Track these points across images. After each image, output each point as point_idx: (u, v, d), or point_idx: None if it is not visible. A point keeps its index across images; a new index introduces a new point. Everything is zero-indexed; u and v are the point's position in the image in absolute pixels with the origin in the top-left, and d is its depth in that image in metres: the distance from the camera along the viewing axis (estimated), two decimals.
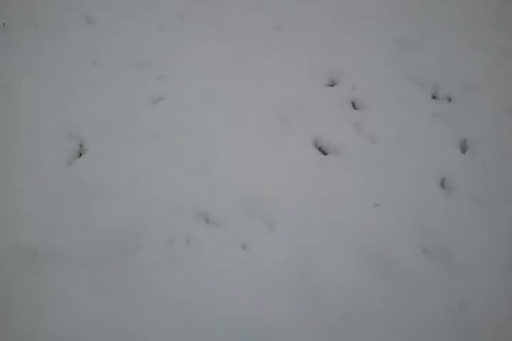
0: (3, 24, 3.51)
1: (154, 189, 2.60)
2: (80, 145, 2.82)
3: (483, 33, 3.66)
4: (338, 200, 2.56)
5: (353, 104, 3.18)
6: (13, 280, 2.22)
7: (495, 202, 2.56)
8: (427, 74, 3.34)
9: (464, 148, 2.86)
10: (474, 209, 2.54)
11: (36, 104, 3.05)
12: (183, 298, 2.20)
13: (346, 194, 2.59)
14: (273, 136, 2.91)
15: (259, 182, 2.64)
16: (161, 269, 2.31)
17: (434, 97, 3.24)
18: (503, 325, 2.12)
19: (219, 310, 2.15)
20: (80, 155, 2.78)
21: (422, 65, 3.41)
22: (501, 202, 2.56)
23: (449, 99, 3.20)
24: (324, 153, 2.86)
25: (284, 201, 2.56)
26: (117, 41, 3.56)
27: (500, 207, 2.54)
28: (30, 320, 2.09)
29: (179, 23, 3.76)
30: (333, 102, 3.16)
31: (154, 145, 2.82)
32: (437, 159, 2.77)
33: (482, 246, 2.38)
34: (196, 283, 2.26)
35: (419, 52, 3.52)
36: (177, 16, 3.83)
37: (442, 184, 2.67)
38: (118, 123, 2.93)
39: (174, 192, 2.58)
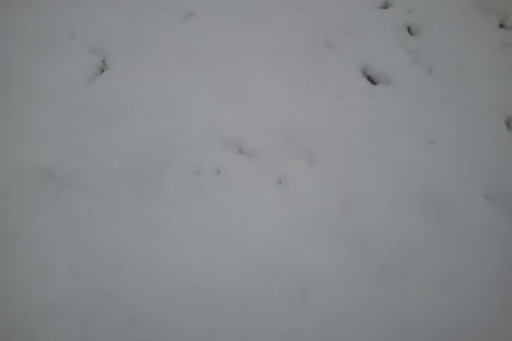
0: None
1: (183, 113, 2.33)
2: (103, 61, 2.51)
3: None
4: (389, 136, 2.27)
5: (409, 29, 2.80)
6: (26, 204, 2.01)
7: None
8: None
9: None
10: None
11: (57, 15, 2.69)
12: (210, 233, 2.01)
13: (398, 129, 2.30)
14: (317, 61, 2.57)
15: (298, 111, 2.35)
16: (186, 201, 2.09)
17: (501, 26, 2.84)
18: None
19: (250, 248, 1.95)
20: (102, 71, 2.48)
21: None
22: None
23: None
24: (374, 83, 2.54)
25: (326, 134, 2.28)
26: None
27: None
28: (41, 248, 1.91)
29: None
30: (386, 26, 2.77)
31: (184, 65, 2.50)
32: (504, 95, 2.44)
33: None
34: (225, 218, 2.05)
35: None
36: None
37: (508, 124, 2.35)
38: (145, 38, 2.59)
39: (204, 118, 2.31)
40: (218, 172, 2.15)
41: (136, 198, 2.08)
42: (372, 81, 2.55)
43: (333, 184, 2.12)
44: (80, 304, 1.81)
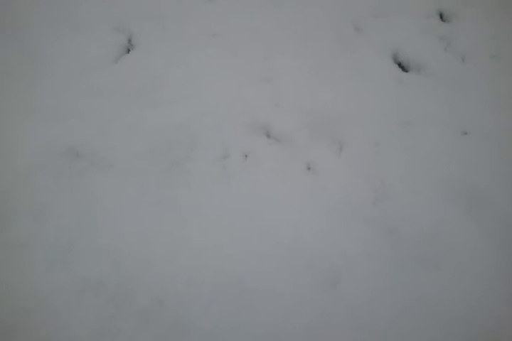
0: None
1: (209, 95, 2.28)
2: (129, 41, 2.46)
3: None
4: (421, 125, 2.23)
5: (441, 15, 2.72)
6: (53, 182, 1.99)
7: None
8: None
9: None
10: None
11: None
12: (238, 218, 1.98)
13: (430, 118, 2.25)
14: (345, 46, 2.51)
15: (328, 96, 2.31)
16: (213, 184, 2.06)
17: None
18: None
19: (278, 234, 1.93)
20: (128, 51, 2.42)
21: None
22: None
23: None
24: (405, 70, 2.47)
25: (356, 120, 2.24)
26: None
27: None
28: (69, 227, 1.90)
29: None
30: (418, 11, 2.71)
31: (211, 46, 2.45)
32: None
33: None
34: (252, 203, 2.02)
35: None
36: None
37: None
38: (171, 18, 2.54)
39: (232, 101, 2.26)
40: (246, 156, 2.12)
41: (162, 180, 2.05)
42: (403, 68, 2.48)
43: (362, 172, 2.08)
44: (108, 285, 1.80)
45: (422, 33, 2.60)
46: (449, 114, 2.26)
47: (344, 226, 1.93)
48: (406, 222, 1.93)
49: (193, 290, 1.80)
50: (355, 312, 1.77)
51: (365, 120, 2.22)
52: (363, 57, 2.48)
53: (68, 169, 2.05)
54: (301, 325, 1.75)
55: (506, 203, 1.99)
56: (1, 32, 2.40)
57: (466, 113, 2.26)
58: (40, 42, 2.38)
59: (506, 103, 2.29)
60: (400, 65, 2.49)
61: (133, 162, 2.09)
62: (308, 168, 2.09)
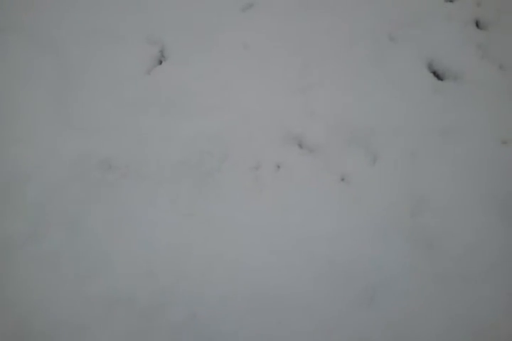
0: None
1: (242, 105, 2.26)
2: (161, 52, 2.46)
3: None
4: (459, 134, 2.16)
5: (477, 23, 2.65)
6: (86, 193, 2.00)
7: None
8: None
9: None
10: None
11: (115, 5, 2.64)
12: (271, 231, 1.94)
13: (468, 128, 2.18)
14: (380, 56, 2.47)
15: (362, 106, 2.26)
16: (245, 195, 2.04)
17: None
18: None
19: (313, 247, 1.88)
20: (160, 62, 2.43)
21: None
22: None
23: None
24: (440, 79, 2.40)
25: (391, 130, 2.19)
26: None
27: None
28: (102, 239, 1.90)
29: None
30: (453, 19, 2.64)
31: (243, 57, 2.44)
32: None
33: None
34: (285, 214, 1.98)
35: None
36: None
37: None
38: (203, 29, 2.53)
39: (264, 111, 2.24)
40: (278, 167, 2.09)
41: (194, 191, 2.04)
42: (438, 76, 2.42)
43: (398, 183, 2.03)
44: (140, 298, 1.79)
45: (458, 41, 2.54)
46: (487, 122, 2.19)
47: (381, 240, 1.88)
48: (447, 236, 1.87)
49: (226, 303, 1.77)
50: (394, 328, 1.71)
51: (401, 130, 2.17)
52: (398, 66, 2.43)
53: (101, 180, 2.05)
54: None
55: None
56: (36, 44, 2.43)
57: (504, 121, 2.19)
58: (74, 54, 2.41)
59: None
60: (435, 73, 2.42)
61: (165, 173, 2.08)
62: (343, 179, 2.05)
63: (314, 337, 1.69)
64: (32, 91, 2.30)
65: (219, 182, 2.06)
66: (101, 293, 1.81)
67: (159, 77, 2.36)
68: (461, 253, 1.83)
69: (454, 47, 2.51)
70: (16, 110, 2.23)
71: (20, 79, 2.34)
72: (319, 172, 2.07)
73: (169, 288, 1.80)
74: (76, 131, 2.17)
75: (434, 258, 1.82)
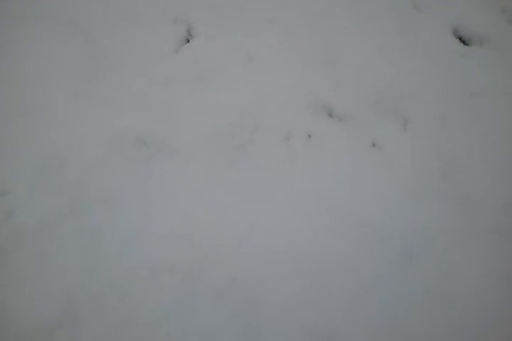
0: None
1: (269, 78, 2.29)
2: (187, 31, 2.50)
3: None
4: (487, 97, 2.16)
5: None
6: (123, 169, 2.04)
7: None
8: None
9: None
10: None
11: None
12: (304, 198, 1.97)
13: (496, 90, 2.19)
14: (405, 24, 2.47)
15: (390, 73, 2.28)
16: (278, 166, 2.06)
17: None
18: None
19: (348, 212, 1.91)
20: (188, 41, 2.47)
21: None
22: None
23: None
24: (466, 44, 2.38)
25: (420, 96, 2.20)
26: None
27: None
28: (139, 211, 1.94)
29: None
30: None
31: (269, 31, 2.46)
32: None
33: None
34: (318, 182, 2.01)
35: None
36: None
37: None
38: (228, 6, 2.56)
39: (292, 83, 2.27)
40: (309, 136, 2.11)
41: (227, 163, 2.07)
42: (464, 42, 2.41)
43: (429, 146, 2.04)
44: (181, 264, 1.82)
45: (483, 6, 2.52)
46: None
47: (414, 202, 1.89)
48: (481, 194, 1.87)
49: (266, 267, 1.80)
50: (432, 285, 1.72)
51: (429, 95, 2.18)
52: (423, 33, 2.44)
53: (137, 156, 2.09)
54: (377, 299, 1.72)
55: None
56: (63, 30, 2.48)
57: None
58: (102, 37, 2.45)
59: None
60: (461, 39, 2.41)
61: (198, 147, 2.12)
62: (374, 145, 2.07)
63: (353, 296, 1.72)
64: (63, 76, 2.34)
65: (251, 154, 2.08)
66: (142, 263, 1.85)
67: (187, 55, 2.40)
68: (496, 209, 1.83)
69: (478, 13, 2.50)
70: (48, 96, 2.28)
71: (50, 66, 2.38)
72: (350, 139, 2.09)
73: (209, 254, 1.84)
74: (110, 111, 2.21)
75: (470, 215, 1.83)
